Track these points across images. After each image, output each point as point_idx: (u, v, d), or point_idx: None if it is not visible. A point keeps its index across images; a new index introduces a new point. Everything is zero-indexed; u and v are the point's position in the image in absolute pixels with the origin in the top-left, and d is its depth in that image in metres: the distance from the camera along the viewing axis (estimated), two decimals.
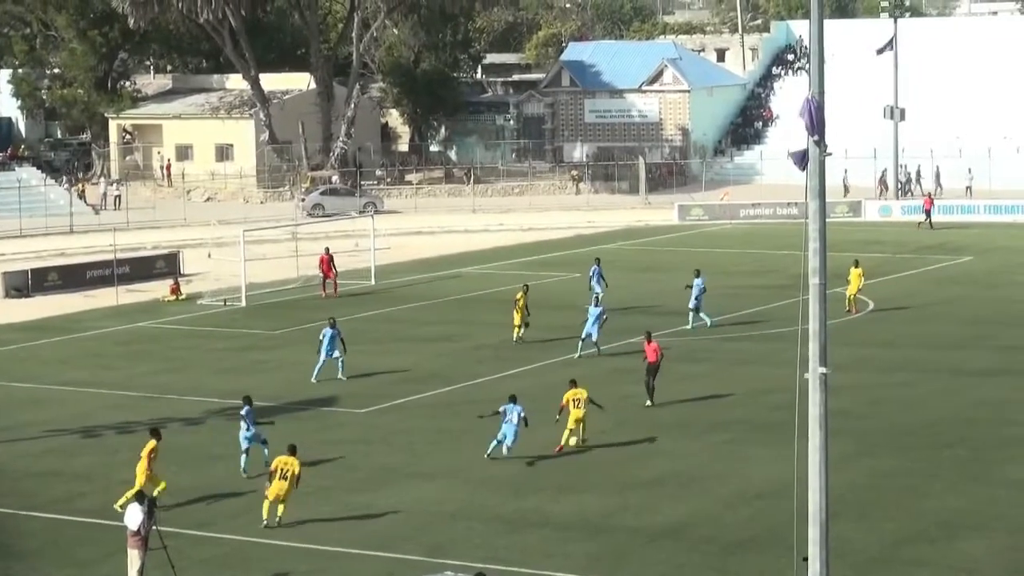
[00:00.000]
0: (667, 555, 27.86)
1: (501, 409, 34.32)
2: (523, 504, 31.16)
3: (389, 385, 42.95)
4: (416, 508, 31.00)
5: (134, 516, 26.23)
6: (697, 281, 50.19)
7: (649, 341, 39.86)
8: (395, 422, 38.71)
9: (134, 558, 26.16)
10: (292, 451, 30.18)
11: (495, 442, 34.22)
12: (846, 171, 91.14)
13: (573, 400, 35.12)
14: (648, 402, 39.18)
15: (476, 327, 52.04)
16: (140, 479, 30.66)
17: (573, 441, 35.05)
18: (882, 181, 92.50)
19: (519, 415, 34.06)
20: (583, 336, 45.33)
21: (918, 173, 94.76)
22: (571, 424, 35.05)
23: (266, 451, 33.80)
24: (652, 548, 28.25)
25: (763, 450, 34.62)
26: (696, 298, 49.87)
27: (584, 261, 68.08)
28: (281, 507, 29.82)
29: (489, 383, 42.91)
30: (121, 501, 30.30)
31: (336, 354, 43.52)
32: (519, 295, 48.82)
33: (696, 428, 37.17)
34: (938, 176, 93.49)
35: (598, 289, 53.16)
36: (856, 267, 52.06)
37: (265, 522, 29.75)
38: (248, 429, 33.64)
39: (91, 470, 34.59)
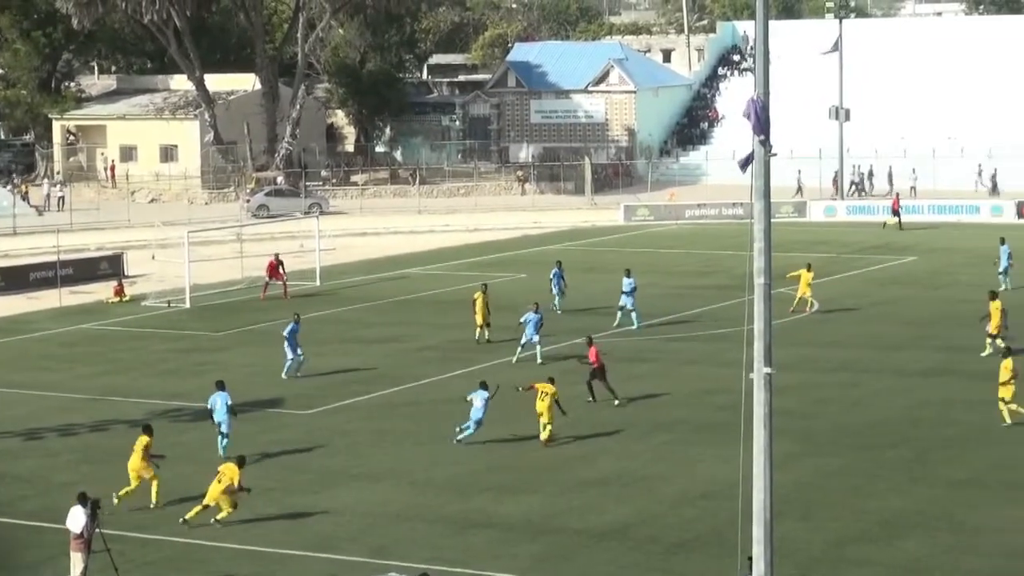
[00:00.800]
0: (612, 555, 27.85)
1: (468, 398, 35.49)
2: (467, 505, 31.12)
3: (334, 386, 42.78)
4: (360, 509, 30.92)
5: (76, 519, 26.03)
6: (627, 281, 50.27)
7: (591, 344, 40.12)
8: (340, 423, 38.58)
9: (77, 561, 25.97)
10: (240, 462, 30.11)
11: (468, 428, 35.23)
12: (800, 171, 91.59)
13: (541, 392, 35.52)
14: (616, 401, 39.44)
15: (422, 328, 51.93)
16: (135, 476, 30.97)
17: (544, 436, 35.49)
18: (835, 181, 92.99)
19: (484, 400, 35.07)
20: (523, 341, 45.10)
21: (870, 173, 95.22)
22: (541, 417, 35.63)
23: (224, 442, 34.76)
24: (597, 549, 28.24)
25: (708, 450, 34.69)
26: (627, 295, 49.95)
27: (530, 262, 68.31)
28: (197, 509, 29.65)
29: (435, 384, 42.83)
30: (123, 491, 30.95)
31: (290, 353, 43.74)
32: (477, 295, 48.70)
33: (641, 428, 37.19)
34: (890, 176, 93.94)
35: (556, 291, 53.09)
36: (808, 270, 52.13)
37: (184, 518, 29.72)
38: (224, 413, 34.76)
39: (33, 473, 34.28)
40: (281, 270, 59.14)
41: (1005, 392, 36.34)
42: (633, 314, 50.25)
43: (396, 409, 39.97)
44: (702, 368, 44.06)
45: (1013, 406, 36.20)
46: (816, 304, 52.50)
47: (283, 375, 43.83)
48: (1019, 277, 56.80)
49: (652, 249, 73.47)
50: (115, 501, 30.54)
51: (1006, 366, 36.44)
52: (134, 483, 31.15)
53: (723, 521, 28.87)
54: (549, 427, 35.54)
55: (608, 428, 37.14)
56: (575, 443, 35.85)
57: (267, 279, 59.19)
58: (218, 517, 29.73)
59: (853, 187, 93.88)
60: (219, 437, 35.19)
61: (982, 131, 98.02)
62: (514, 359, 44.76)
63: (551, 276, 54.21)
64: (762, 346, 20.15)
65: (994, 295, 45.85)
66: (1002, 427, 36.20)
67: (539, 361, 43.93)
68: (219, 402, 35.27)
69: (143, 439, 31.40)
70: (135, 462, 31.17)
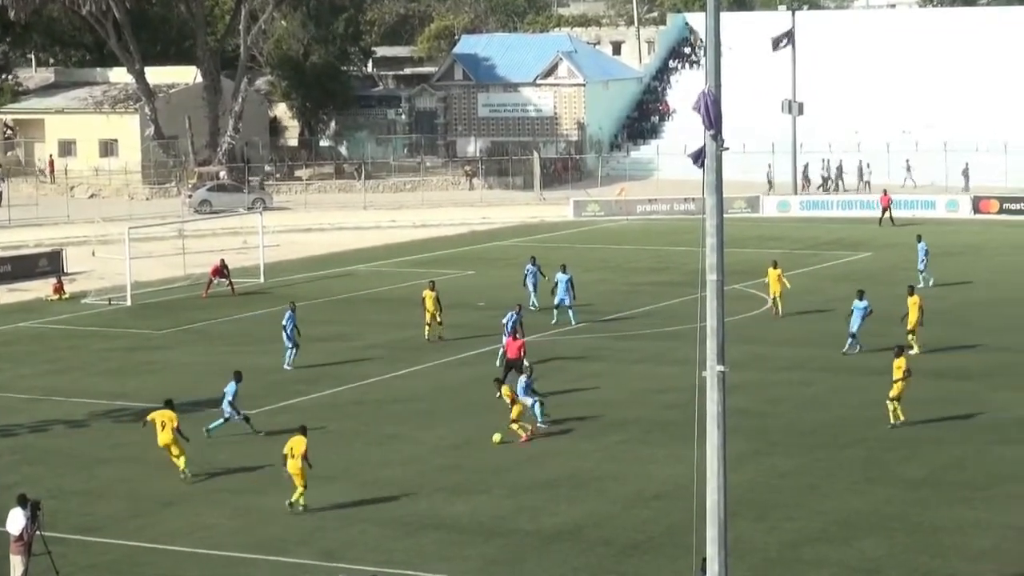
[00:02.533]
0: (563, 557, 27.52)
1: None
2: (417, 506, 30.70)
3: (279, 386, 42.22)
4: (308, 511, 30.42)
5: (16, 521, 25.60)
6: (561, 276, 49.91)
7: (514, 337, 40.51)
8: (286, 423, 37.89)
9: (16, 564, 25.58)
10: (302, 431, 30.67)
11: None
12: (770, 166, 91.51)
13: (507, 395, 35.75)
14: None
15: (367, 326, 51.37)
16: (174, 449, 32.68)
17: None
18: (804, 176, 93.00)
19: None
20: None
21: (839, 168, 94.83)
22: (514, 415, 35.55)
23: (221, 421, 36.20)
24: (548, 550, 27.90)
25: (660, 450, 34.36)
26: (564, 292, 49.67)
27: (478, 258, 67.82)
28: (298, 492, 30.15)
29: (380, 383, 42.31)
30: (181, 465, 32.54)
31: (288, 342, 44.18)
32: (426, 292, 48.06)
33: (592, 428, 36.79)
34: (861, 171, 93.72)
35: (532, 288, 52.55)
36: (775, 268, 51.39)
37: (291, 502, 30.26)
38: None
39: None
40: (225, 272, 58.52)
41: (894, 390, 35.85)
42: (570, 311, 49.76)
43: (342, 408, 39.48)
44: (653, 366, 43.71)
45: (895, 405, 35.74)
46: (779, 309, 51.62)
47: (285, 366, 43.78)
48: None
49: (603, 245, 73.13)
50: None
51: (898, 365, 35.96)
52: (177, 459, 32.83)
53: (677, 522, 28.60)
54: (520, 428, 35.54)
55: (559, 428, 36.69)
56: (526, 444, 35.34)
57: (210, 279, 58.51)
58: (292, 500, 30.09)
59: (822, 181, 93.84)
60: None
61: (937, 125, 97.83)
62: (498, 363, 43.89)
63: (525, 272, 53.45)
64: (715, 344, 19.86)
65: (912, 291, 46.10)
66: (912, 425, 35.75)
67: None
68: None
69: (168, 414, 32.82)
70: (166, 437, 32.69)
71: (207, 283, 58.69)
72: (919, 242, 57.54)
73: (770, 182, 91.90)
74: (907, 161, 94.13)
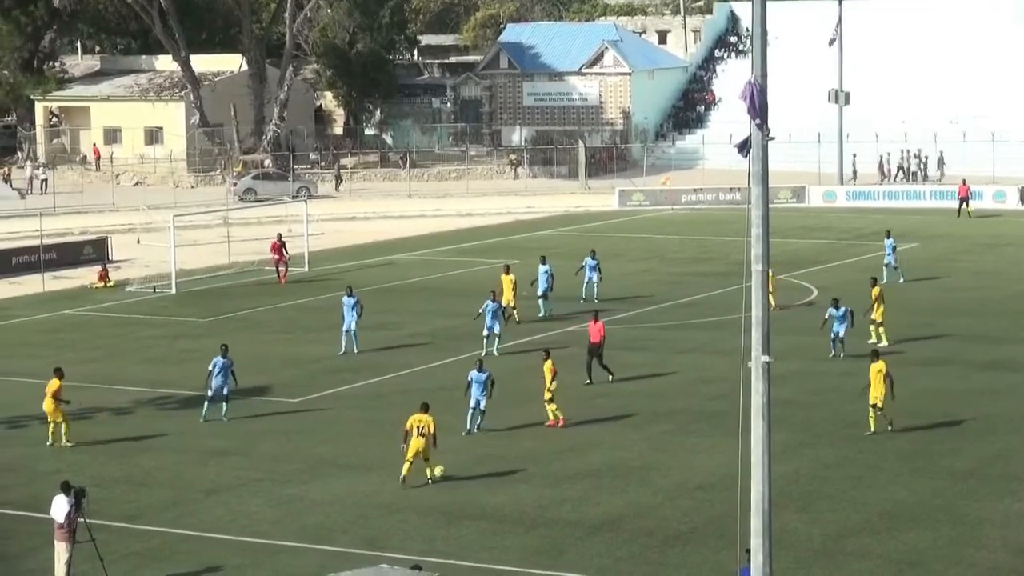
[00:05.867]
0: (606, 548, 27.37)
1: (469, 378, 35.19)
2: (459, 496, 30.59)
3: (321, 374, 42.22)
4: (350, 500, 30.45)
5: (60, 508, 25.64)
6: (543, 268, 49.87)
7: (596, 320, 40.46)
8: (327, 412, 38.03)
9: (61, 551, 25.61)
10: (425, 408, 31.21)
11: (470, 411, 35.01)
12: (855, 155, 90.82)
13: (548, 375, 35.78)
14: (609, 377, 40.04)
15: (409, 315, 51.32)
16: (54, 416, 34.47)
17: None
18: (880, 167, 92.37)
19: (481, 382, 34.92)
20: (485, 334, 43.87)
21: (921, 158, 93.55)
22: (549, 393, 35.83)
23: (225, 406, 36.29)
24: (590, 541, 27.76)
25: (704, 440, 34.19)
26: (544, 284, 49.50)
27: (523, 248, 67.63)
28: (428, 467, 30.93)
29: (422, 372, 42.24)
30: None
31: (353, 326, 44.60)
32: (503, 276, 48.29)
33: (636, 418, 36.63)
34: (940, 161, 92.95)
35: (594, 278, 52.27)
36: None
37: (403, 477, 30.83)
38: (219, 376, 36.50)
39: (16, 461, 33.79)
40: (284, 252, 58.26)
41: (876, 397, 34.17)
42: (541, 301, 49.57)
43: (385, 398, 39.41)
44: (698, 357, 43.52)
45: (877, 413, 34.23)
46: (814, 291, 51.06)
47: (355, 351, 44.47)
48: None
49: (647, 235, 72.84)
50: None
51: (878, 369, 34.32)
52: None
53: (720, 513, 28.50)
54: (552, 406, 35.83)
55: (602, 418, 36.54)
56: (569, 433, 35.23)
57: (276, 259, 58.11)
58: (436, 473, 30.95)
59: (900, 172, 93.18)
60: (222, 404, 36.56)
61: (987, 115, 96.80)
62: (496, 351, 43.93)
63: (581, 264, 52.78)
64: (760, 334, 19.71)
65: (874, 282, 45.74)
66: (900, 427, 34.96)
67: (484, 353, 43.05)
68: None
69: (54, 382, 34.15)
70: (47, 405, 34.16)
71: (276, 268, 58.07)
72: (887, 238, 55.98)
73: (854, 171, 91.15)
74: (940, 153, 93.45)
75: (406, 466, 30.98)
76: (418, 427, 30.99)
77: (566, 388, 37.81)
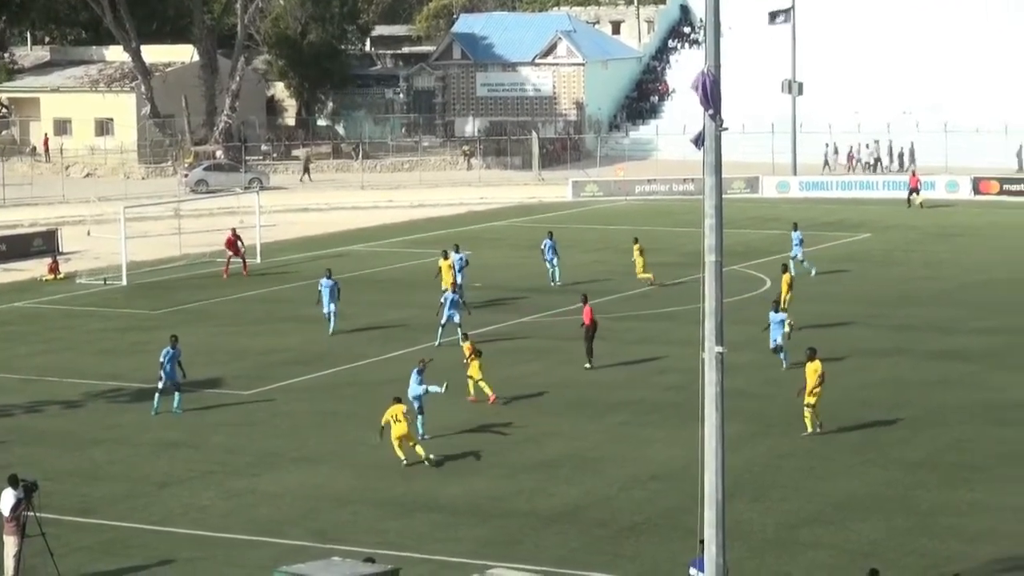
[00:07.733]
0: (561, 539, 27.34)
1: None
2: (412, 487, 30.50)
3: (272, 367, 41.98)
4: (302, 492, 30.31)
5: (7, 501, 25.42)
6: (456, 256, 50.14)
7: (585, 303, 41.37)
8: (279, 404, 37.84)
9: (10, 544, 25.41)
10: (398, 401, 31.91)
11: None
12: (827, 145, 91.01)
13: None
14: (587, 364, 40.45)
15: (362, 307, 51.00)
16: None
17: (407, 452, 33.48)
18: (850, 157, 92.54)
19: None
20: (443, 322, 43.84)
21: (877, 149, 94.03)
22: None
23: (178, 398, 36.39)
24: (545, 532, 27.72)
25: (659, 431, 34.18)
26: (459, 272, 49.69)
27: (476, 238, 67.47)
28: (419, 451, 31.59)
29: (375, 364, 42.09)
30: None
31: (332, 307, 45.40)
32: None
33: (590, 409, 36.58)
34: (912, 152, 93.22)
35: (554, 260, 53.53)
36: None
37: (403, 460, 31.47)
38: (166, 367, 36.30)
39: None
40: (240, 245, 57.85)
41: (811, 397, 33.67)
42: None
43: (336, 390, 39.28)
44: (652, 347, 43.44)
45: (811, 411, 33.75)
46: (767, 281, 51.34)
47: (330, 332, 45.32)
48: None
49: (601, 226, 72.78)
50: None
51: (814, 369, 33.71)
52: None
53: (675, 504, 28.49)
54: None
55: (557, 409, 36.47)
56: (524, 424, 35.14)
57: (229, 255, 57.71)
58: (431, 457, 31.64)
59: (877, 163, 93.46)
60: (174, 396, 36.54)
61: (940, 106, 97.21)
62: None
63: (542, 247, 54.46)
64: (713, 325, 19.72)
65: (785, 268, 46.79)
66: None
67: (437, 343, 43.23)
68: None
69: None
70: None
71: (227, 261, 57.74)
72: (794, 231, 55.26)
73: (826, 162, 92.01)
74: (835, 143, 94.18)
75: (398, 452, 31.54)
76: (394, 418, 31.44)
77: (521, 378, 37.65)
